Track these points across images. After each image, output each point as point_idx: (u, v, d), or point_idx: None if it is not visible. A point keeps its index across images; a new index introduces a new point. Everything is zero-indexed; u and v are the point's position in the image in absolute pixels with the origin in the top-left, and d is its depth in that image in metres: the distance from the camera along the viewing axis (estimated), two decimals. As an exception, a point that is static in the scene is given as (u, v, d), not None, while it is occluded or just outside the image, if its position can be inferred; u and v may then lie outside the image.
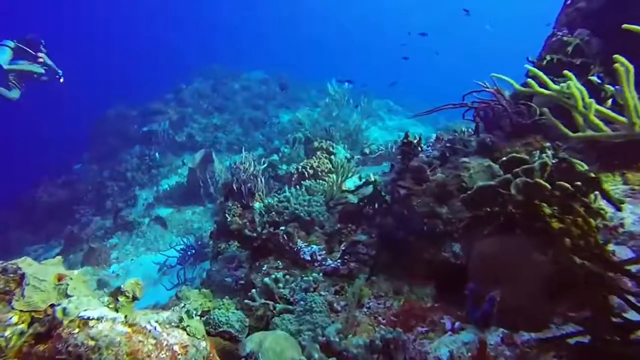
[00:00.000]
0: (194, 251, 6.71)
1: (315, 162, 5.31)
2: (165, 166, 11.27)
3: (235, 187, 4.39)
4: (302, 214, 2.96)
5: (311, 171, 5.17)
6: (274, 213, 3.12)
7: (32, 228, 11.31)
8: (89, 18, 36.45)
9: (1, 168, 15.70)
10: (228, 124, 13.54)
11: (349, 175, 3.54)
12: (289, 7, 48.22)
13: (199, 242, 6.76)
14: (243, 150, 4.56)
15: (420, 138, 2.92)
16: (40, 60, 7.29)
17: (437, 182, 2.27)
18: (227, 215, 4.35)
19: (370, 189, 2.90)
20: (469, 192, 1.87)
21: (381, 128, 13.78)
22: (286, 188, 3.38)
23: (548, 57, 2.55)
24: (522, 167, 1.71)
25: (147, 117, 14.06)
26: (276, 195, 4.47)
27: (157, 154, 11.18)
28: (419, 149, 2.95)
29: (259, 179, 4.47)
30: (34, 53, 7.13)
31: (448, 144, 2.62)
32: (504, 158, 1.95)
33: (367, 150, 6.47)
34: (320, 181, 4.01)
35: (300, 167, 5.14)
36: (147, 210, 8.58)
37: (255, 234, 3.00)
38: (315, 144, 5.67)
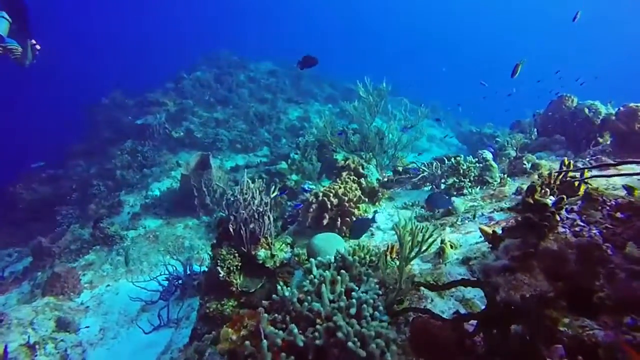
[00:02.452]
0: (180, 282, 5.46)
1: (340, 187, 4.00)
2: (159, 165, 9.98)
3: (232, 228, 3.11)
4: (350, 344, 1.40)
5: (335, 200, 3.87)
6: (293, 325, 1.64)
7: (8, 228, 10.17)
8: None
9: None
10: (231, 119, 12.21)
11: (426, 249, 1.95)
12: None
13: (188, 271, 5.50)
14: (245, 175, 3.25)
15: (562, 200, 1.60)
16: (37, 47, 6.03)
17: None
18: (218, 267, 3.08)
19: (470, 291, 1.54)
20: None
21: (398, 129, 12.43)
22: (313, 266, 1.89)
23: None
24: None
25: (143, 108, 12.75)
26: (292, 259, 3.15)
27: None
28: (558, 216, 1.63)
29: (266, 217, 3.17)
30: (29, 39, 5.86)
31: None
32: None
33: (400, 168, 5.11)
34: (366, 246, 2.66)
35: (320, 195, 3.83)
36: (132, 220, 7.32)
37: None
38: (340, 161, 4.33)
